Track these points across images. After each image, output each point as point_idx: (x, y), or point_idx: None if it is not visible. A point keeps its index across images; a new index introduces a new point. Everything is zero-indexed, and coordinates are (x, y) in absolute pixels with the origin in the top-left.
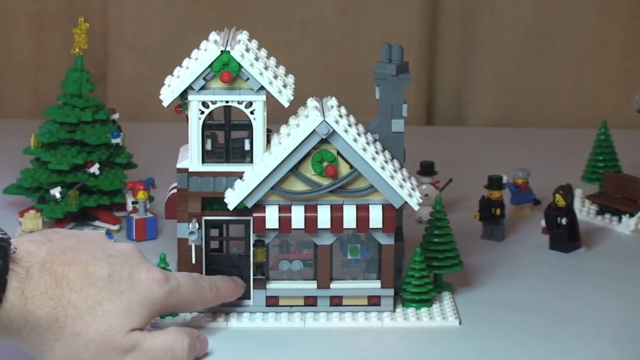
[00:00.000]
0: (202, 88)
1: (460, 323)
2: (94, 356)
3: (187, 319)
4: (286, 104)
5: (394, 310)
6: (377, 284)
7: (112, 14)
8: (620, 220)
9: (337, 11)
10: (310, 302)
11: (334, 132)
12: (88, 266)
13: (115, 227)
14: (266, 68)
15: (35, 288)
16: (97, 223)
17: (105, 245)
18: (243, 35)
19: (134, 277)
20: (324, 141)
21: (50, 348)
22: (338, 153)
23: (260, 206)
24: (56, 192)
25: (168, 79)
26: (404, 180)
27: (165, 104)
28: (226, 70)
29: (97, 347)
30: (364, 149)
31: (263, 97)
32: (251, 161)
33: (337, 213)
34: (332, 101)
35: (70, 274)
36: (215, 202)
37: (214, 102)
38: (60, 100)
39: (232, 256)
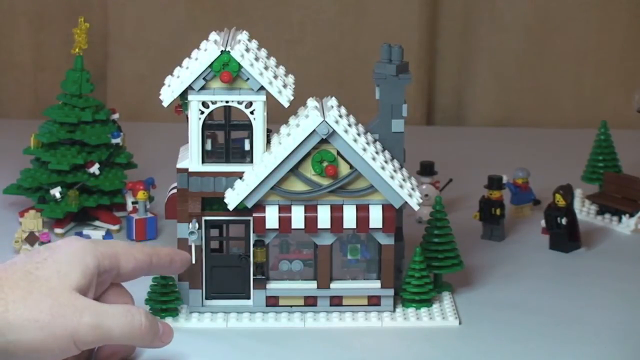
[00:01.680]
0: (202, 88)
1: (460, 323)
2: (51, 317)
3: (187, 318)
4: (286, 104)
5: (394, 310)
6: (377, 284)
7: (112, 14)
8: (620, 220)
9: (337, 11)
10: (310, 302)
11: (334, 132)
12: (4, 262)
13: (115, 227)
14: (266, 68)
15: None
16: (97, 223)
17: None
18: (243, 36)
19: (50, 246)
20: (324, 141)
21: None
22: (338, 153)
23: (260, 206)
24: (56, 192)
25: (168, 79)
26: (404, 180)
27: (165, 104)
28: (226, 70)
29: (50, 306)
30: (364, 149)
31: (263, 97)
32: (251, 161)
33: (337, 213)
34: (332, 101)
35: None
36: (215, 202)
37: (214, 102)
38: (60, 100)
39: (232, 256)
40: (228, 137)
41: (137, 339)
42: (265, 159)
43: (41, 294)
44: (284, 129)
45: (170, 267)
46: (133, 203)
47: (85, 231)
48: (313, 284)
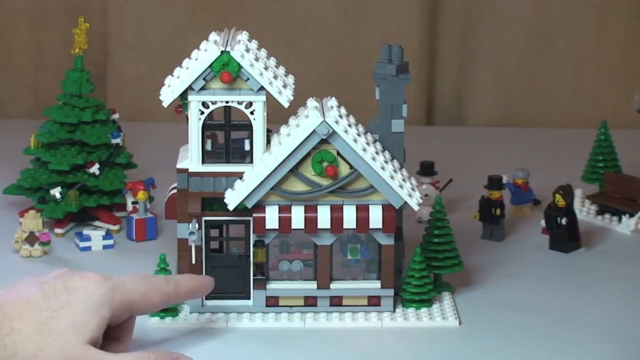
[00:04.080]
0: (202, 88)
1: (460, 323)
2: None
3: (187, 318)
4: (286, 104)
5: (394, 311)
6: (377, 284)
7: (112, 14)
8: (620, 220)
9: (338, 11)
10: (310, 302)
11: (334, 132)
12: (20, 296)
13: (116, 228)
14: (266, 68)
15: None
16: (97, 223)
17: (35, 278)
18: (243, 36)
19: (69, 287)
20: (324, 141)
21: None
22: (338, 153)
23: (260, 206)
24: (56, 192)
25: (168, 79)
26: (403, 180)
27: (165, 104)
28: (226, 71)
29: None
30: (364, 149)
31: (263, 98)
32: (251, 161)
33: (337, 213)
34: (332, 101)
35: (4, 308)
36: (215, 203)
37: (214, 103)
38: (60, 100)
39: (232, 256)
40: (228, 137)
41: None
42: (265, 159)
43: (52, 351)
44: (284, 129)
45: (191, 299)
46: (133, 203)
47: (85, 231)
48: (313, 284)
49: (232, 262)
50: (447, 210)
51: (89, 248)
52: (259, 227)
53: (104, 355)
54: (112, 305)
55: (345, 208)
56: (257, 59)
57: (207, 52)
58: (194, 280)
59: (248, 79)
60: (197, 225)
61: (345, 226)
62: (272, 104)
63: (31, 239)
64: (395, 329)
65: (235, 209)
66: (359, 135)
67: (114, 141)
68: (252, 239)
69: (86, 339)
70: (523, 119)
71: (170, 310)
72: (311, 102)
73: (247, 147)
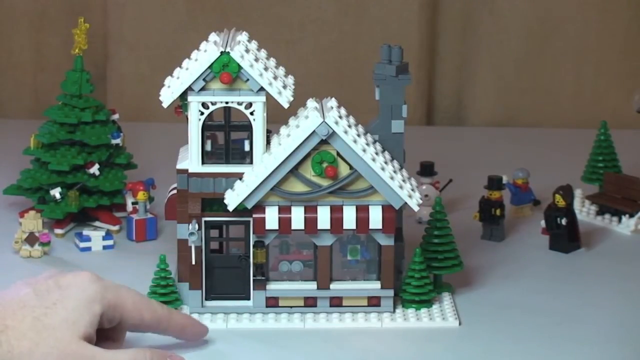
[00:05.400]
0: (202, 89)
1: (460, 324)
2: None
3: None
4: (286, 105)
5: (394, 311)
6: (377, 285)
7: (112, 14)
8: (620, 220)
9: (337, 12)
10: (310, 302)
11: (334, 133)
12: (13, 297)
13: (116, 228)
14: (266, 69)
15: None
16: (97, 223)
17: (26, 280)
18: (243, 36)
19: (61, 285)
20: (323, 142)
21: None
22: (338, 154)
23: (260, 207)
24: (56, 192)
25: (168, 80)
26: (403, 181)
27: (165, 105)
28: (226, 71)
29: (56, 359)
30: (364, 150)
31: (263, 98)
32: (251, 162)
33: (337, 214)
34: (332, 102)
35: None
36: (215, 203)
37: (213, 103)
38: (60, 100)
39: (232, 257)
40: (228, 137)
41: None
42: (265, 160)
43: (48, 346)
44: (283, 130)
45: (180, 336)
46: (133, 204)
47: (85, 231)
48: (313, 285)
49: (232, 262)
50: (447, 210)
51: (89, 248)
52: (258, 227)
53: (98, 351)
54: (102, 302)
55: (345, 209)
56: (256, 60)
57: (206, 53)
58: (189, 319)
59: (248, 79)
60: (197, 226)
61: (345, 227)
62: (272, 104)
63: (31, 239)
64: (395, 329)
65: (235, 209)
66: (358, 135)
67: (113, 141)
68: (252, 239)
69: (80, 334)
70: (523, 119)
71: None
72: (311, 103)
73: (247, 148)
